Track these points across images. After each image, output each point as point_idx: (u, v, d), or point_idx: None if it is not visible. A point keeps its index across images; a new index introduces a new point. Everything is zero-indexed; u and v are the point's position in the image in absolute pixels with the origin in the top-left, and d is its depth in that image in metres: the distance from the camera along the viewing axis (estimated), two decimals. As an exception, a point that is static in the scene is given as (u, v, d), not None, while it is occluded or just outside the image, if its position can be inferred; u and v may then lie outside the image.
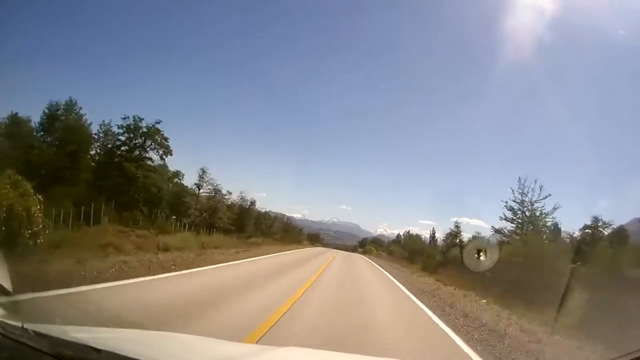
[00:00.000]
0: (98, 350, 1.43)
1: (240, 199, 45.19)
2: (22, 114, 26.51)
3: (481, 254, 14.80)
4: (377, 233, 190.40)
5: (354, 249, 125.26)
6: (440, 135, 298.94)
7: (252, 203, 46.89)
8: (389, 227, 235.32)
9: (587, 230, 24.17)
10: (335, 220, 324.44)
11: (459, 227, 38.75)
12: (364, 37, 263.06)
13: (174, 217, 29.86)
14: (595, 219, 24.35)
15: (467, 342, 6.00)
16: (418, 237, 54.77)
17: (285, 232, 58.36)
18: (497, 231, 23.52)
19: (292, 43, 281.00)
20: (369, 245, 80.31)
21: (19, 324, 1.47)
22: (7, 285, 1.68)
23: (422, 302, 10.16)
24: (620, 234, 21.54)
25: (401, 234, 69.88)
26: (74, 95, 29.86)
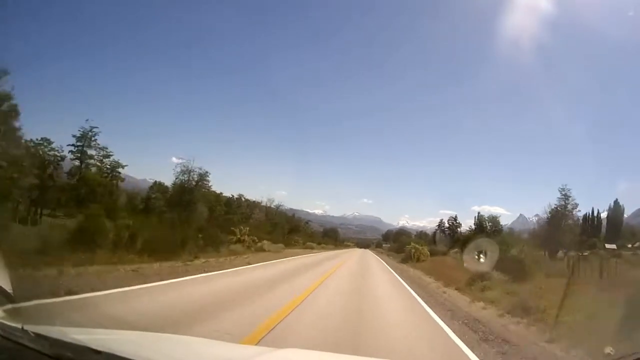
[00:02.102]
0: (98, 352, 1.43)
1: (181, 172, 28.76)
2: None
3: None
4: (399, 225, 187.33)
5: (378, 244, 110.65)
6: (459, 127, 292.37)
7: (202, 177, 29.59)
8: (410, 219, 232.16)
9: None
10: (357, 214, 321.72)
11: (569, 196, 23.53)
12: (382, 32, 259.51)
13: None
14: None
15: None
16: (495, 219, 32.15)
17: (274, 227, 42.45)
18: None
19: (310, 41, 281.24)
20: (413, 243, 34.41)
21: (19, 326, 1.48)
22: (8, 287, 1.70)
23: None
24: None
25: (445, 221, 49.34)
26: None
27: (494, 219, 32.30)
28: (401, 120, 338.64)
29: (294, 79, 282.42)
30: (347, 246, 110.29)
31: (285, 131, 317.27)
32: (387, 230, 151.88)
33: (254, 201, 44.37)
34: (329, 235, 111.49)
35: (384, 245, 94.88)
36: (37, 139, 22.89)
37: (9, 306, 1.64)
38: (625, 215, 48.73)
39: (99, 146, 26.44)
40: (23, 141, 19.54)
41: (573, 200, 23.08)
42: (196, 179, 29.69)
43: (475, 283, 12.46)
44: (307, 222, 79.70)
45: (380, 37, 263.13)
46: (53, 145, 23.93)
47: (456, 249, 30.18)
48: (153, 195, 31.13)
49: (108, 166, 27.81)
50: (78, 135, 25.57)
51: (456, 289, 12.36)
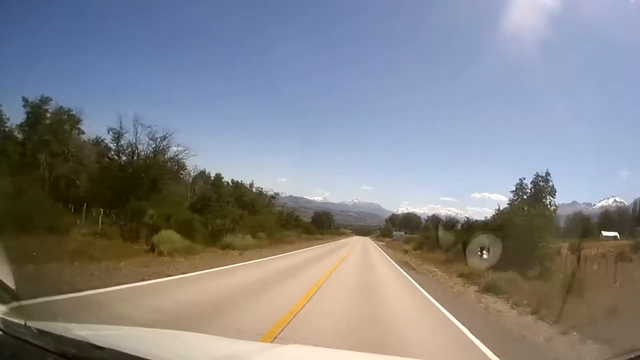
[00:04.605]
0: (101, 348, 1.43)
1: None
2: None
3: None
4: (399, 212, 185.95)
5: (384, 232, 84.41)
6: (459, 115, 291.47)
7: None
8: (410, 206, 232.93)
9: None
10: (357, 201, 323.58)
11: None
12: (384, 23, 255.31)
13: None
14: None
15: None
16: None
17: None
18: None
19: (311, 32, 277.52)
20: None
21: (22, 322, 1.48)
22: (11, 283, 1.70)
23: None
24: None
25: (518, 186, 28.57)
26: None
27: None
28: (402, 109, 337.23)
29: (295, 70, 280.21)
30: (344, 234, 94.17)
31: (285, 120, 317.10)
32: (392, 215, 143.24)
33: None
34: (320, 223, 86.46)
35: (395, 233, 61.42)
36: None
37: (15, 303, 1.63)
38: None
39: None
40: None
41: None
42: None
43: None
44: (274, 197, 50.81)
45: (382, 27, 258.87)
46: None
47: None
48: None
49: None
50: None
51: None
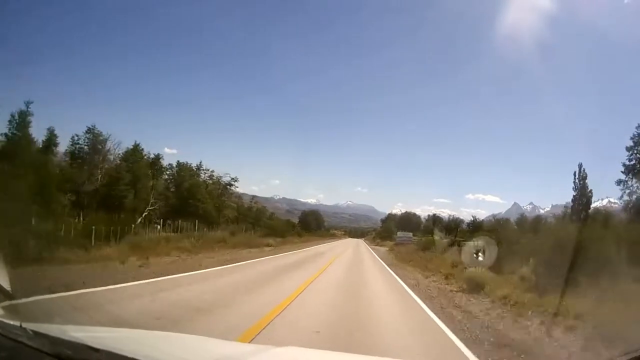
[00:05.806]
0: (97, 350, 1.42)
1: None
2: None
3: None
4: (394, 213, 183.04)
5: (382, 234, 73.08)
6: (453, 117, 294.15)
7: None
8: (403, 207, 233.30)
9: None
10: (351, 203, 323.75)
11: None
12: (381, 20, 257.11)
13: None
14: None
15: None
16: None
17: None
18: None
19: (305, 31, 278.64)
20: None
21: (18, 323, 1.47)
22: (6, 285, 1.69)
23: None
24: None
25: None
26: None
27: None
28: (397, 111, 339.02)
29: (289, 71, 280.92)
30: (333, 237, 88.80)
31: (279, 122, 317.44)
32: (389, 214, 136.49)
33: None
34: (307, 224, 77.40)
35: (399, 234, 47.16)
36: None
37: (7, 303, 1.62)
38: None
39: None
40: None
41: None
42: None
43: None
44: (231, 184, 38.24)
45: (377, 26, 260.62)
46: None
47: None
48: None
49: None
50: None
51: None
